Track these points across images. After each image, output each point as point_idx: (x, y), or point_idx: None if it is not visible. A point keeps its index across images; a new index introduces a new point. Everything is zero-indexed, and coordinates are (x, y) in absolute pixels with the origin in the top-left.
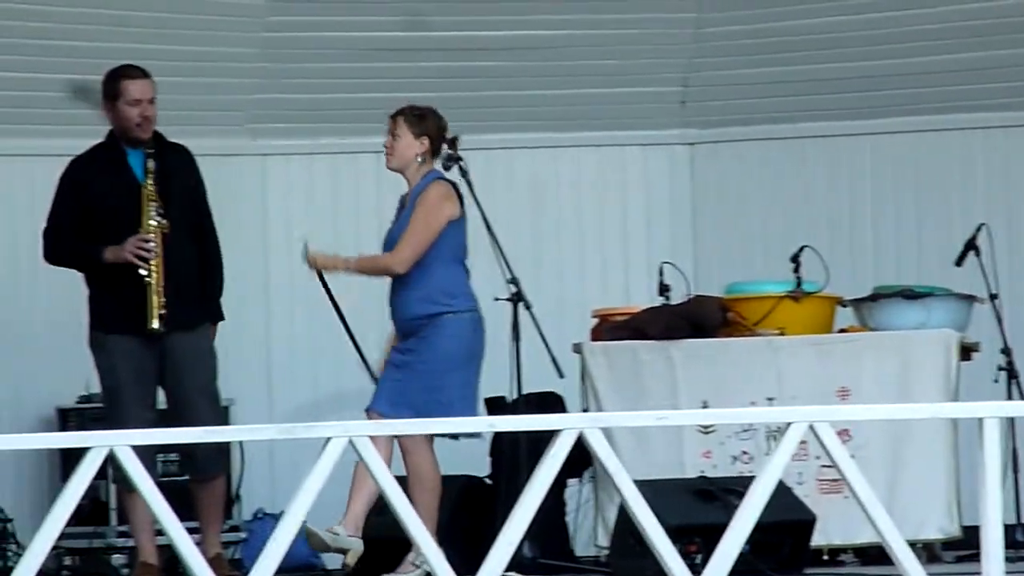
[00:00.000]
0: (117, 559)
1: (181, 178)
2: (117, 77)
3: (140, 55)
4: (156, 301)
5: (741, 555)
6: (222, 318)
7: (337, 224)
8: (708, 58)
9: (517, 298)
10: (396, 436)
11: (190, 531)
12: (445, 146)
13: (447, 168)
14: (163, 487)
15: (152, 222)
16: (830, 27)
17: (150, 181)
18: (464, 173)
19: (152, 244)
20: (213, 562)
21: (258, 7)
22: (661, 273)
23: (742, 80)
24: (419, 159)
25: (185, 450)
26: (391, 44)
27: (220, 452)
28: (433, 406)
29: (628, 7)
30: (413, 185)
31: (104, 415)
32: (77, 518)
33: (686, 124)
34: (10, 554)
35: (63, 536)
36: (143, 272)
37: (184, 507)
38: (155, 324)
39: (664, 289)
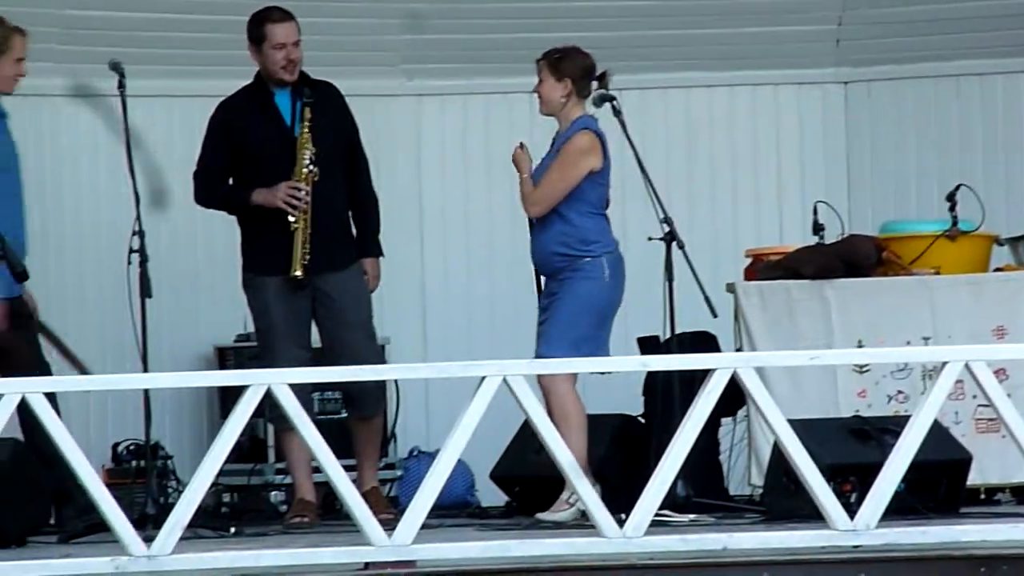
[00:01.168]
0: (275, 496)
1: (330, 119)
2: (261, 21)
3: None
4: (300, 249)
5: (896, 494)
6: (381, 254)
7: (491, 165)
8: None
9: (670, 238)
10: (540, 377)
11: (347, 468)
12: (595, 84)
13: (598, 106)
14: (320, 425)
15: (304, 170)
16: None
17: (306, 127)
18: (617, 112)
19: (303, 193)
20: (369, 495)
21: None
22: (815, 212)
23: (896, 18)
24: (564, 101)
25: (346, 388)
26: None
27: (380, 390)
28: (568, 346)
29: None
30: (563, 129)
31: (258, 354)
32: (235, 456)
33: (840, 63)
34: (171, 491)
35: (222, 473)
36: (291, 219)
37: (341, 445)
38: (298, 272)
39: (818, 228)
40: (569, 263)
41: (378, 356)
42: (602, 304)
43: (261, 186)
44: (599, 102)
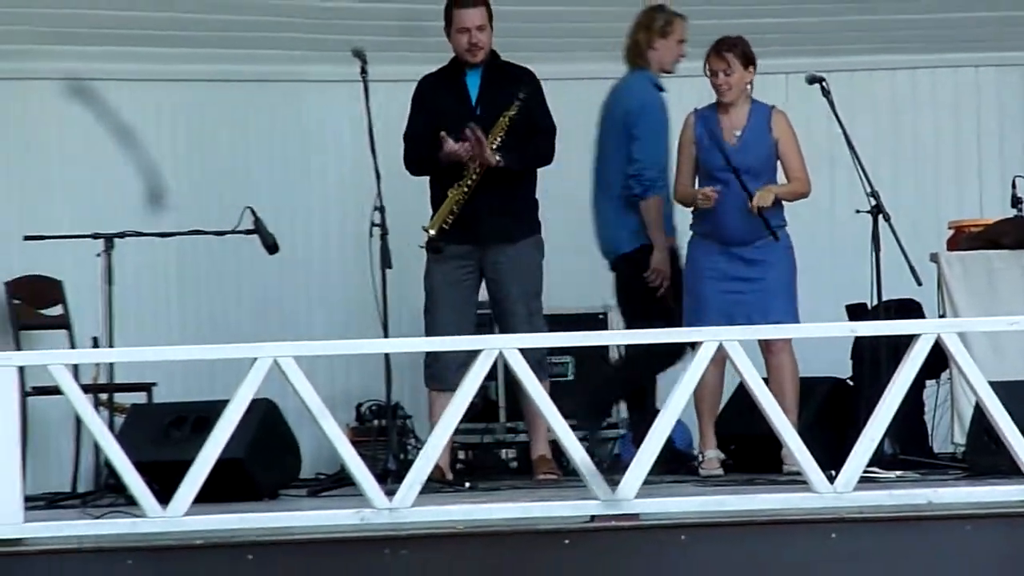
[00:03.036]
0: (506, 453)
1: (508, 100)
2: (450, 6)
3: None
4: (446, 213)
5: None
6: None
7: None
8: None
9: (877, 211)
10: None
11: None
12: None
13: (811, 85)
14: (552, 386)
15: (488, 151)
16: None
17: (507, 119)
18: (826, 92)
19: (457, 151)
20: (539, 463)
21: None
22: (1014, 186)
23: None
24: (749, 87)
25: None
26: None
27: (541, 361)
28: (794, 311)
29: None
30: (741, 114)
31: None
32: (469, 416)
33: None
34: (410, 448)
35: (457, 432)
36: (467, 180)
37: (569, 405)
38: (432, 231)
39: (1017, 202)
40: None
41: (535, 327)
42: (796, 270)
43: (436, 158)
44: (810, 82)
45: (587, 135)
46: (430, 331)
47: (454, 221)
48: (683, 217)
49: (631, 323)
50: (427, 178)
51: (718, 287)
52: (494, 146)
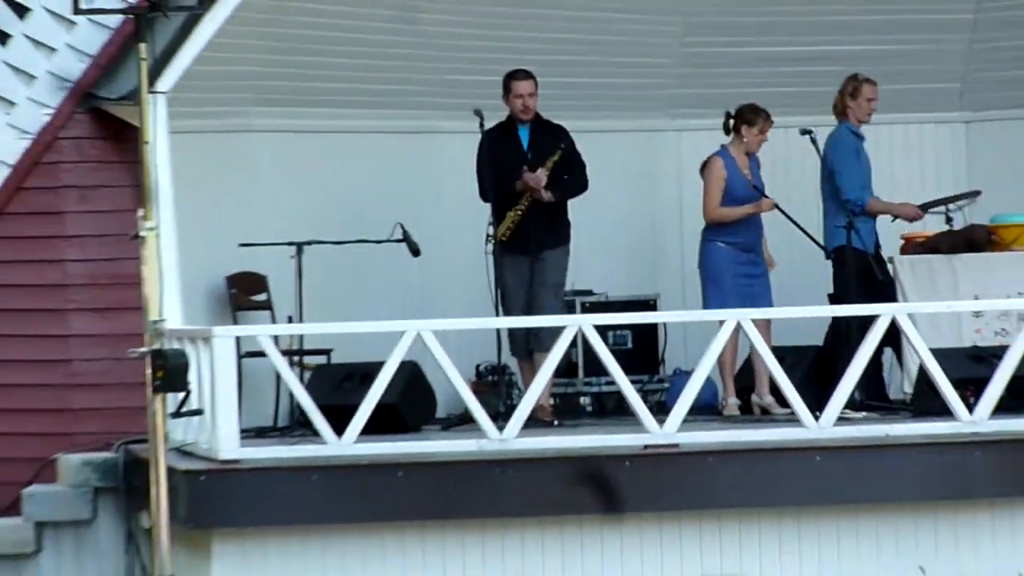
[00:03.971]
0: (583, 400)
1: (552, 149)
2: (508, 78)
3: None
4: (507, 226)
5: (1000, 399)
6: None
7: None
8: None
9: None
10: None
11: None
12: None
13: (802, 136)
14: (616, 353)
15: (533, 178)
16: None
17: (550, 164)
18: (814, 141)
19: (536, 190)
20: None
21: (675, 32)
22: (947, 210)
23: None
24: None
25: (535, 331)
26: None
27: (555, 333)
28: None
29: None
30: (744, 158)
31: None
32: (557, 372)
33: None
34: (514, 396)
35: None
36: (521, 205)
37: (633, 368)
38: (500, 236)
39: (948, 220)
40: None
41: (560, 309)
42: None
43: (504, 185)
44: (802, 133)
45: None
46: (508, 314)
47: (511, 235)
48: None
49: (840, 300)
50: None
51: (738, 281)
52: (533, 176)
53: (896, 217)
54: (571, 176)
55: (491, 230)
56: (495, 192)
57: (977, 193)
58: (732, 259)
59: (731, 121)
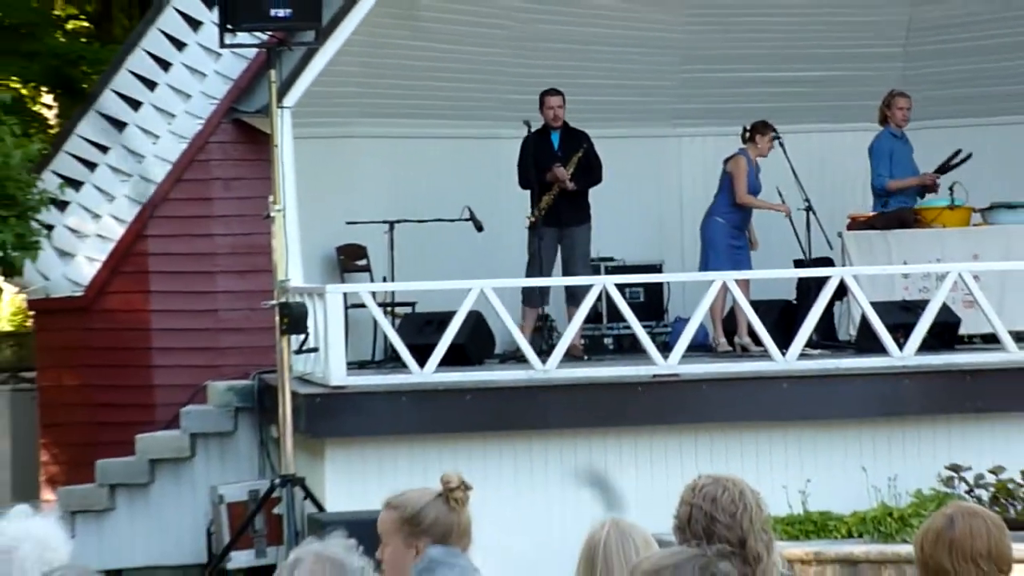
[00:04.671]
0: (607, 341)
1: (576, 149)
2: (543, 95)
3: (570, 41)
4: (540, 208)
5: (924, 339)
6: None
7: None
8: None
9: (809, 210)
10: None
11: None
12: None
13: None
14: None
15: (568, 181)
16: None
17: (574, 162)
18: (782, 145)
19: (563, 181)
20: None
21: (675, 62)
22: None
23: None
24: None
25: (571, 290)
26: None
27: (585, 291)
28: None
29: None
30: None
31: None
32: (586, 319)
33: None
34: (554, 336)
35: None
36: (552, 192)
37: (643, 316)
38: (532, 217)
39: (884, 205)
40: None
41: (587, 273)
42: None
43: (538, 179)
44: (773, 140)
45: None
46: (533, 275)
47: (545, 213)
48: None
49: None
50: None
51: (729, 250)
52: (570, 174)
53: (919, 187)
54: (591, 170)
55: (530, 211)
56: (536, 181)
57: (969, 155)
58: (726, 233)
59: (747, 132)
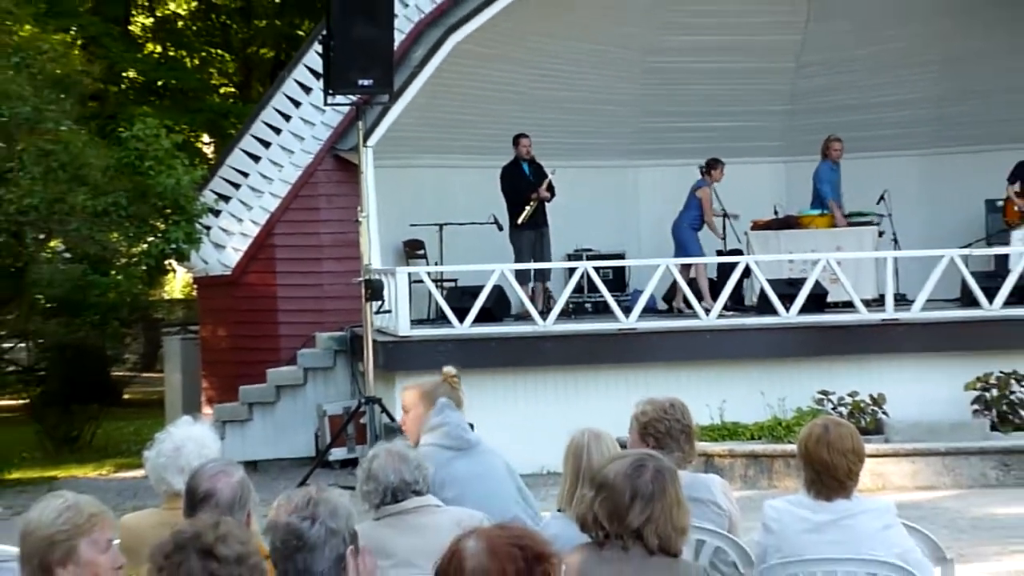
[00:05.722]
0: (587, 305)
1: (541, 175)
2: (517, 136)
3: (560, 101)
4: (526, 216)
5: (803, 303)
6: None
7: (671, 200)
8: None
9: (724, 216)
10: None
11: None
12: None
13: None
14: (604, 280)
15: (545, 194)
16: None
17: (545, 185)
18: (709, 171)
19: (544, 196)
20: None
21: (635, 113)
22: (776, 210)
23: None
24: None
25: (546, 272)
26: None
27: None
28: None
29: None
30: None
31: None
32: (572, 291)
33: (785, 153)
34: (552, 303)
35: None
36: (532, 203)
37: (612, 288)
38: (524, 220)
39: (776, 212)
40: None
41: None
42: None
43: (520, 195)
44: (701, 169)
45: (591, 190)
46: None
47: (528, 218)
48: (647, 216)
49: None
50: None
51: (695, 247)
52: (546, 188)
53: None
54: (553, 189)
55: (520, 217)
56: (521, 196)
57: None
58: (692, 236)
59: (704, 167)
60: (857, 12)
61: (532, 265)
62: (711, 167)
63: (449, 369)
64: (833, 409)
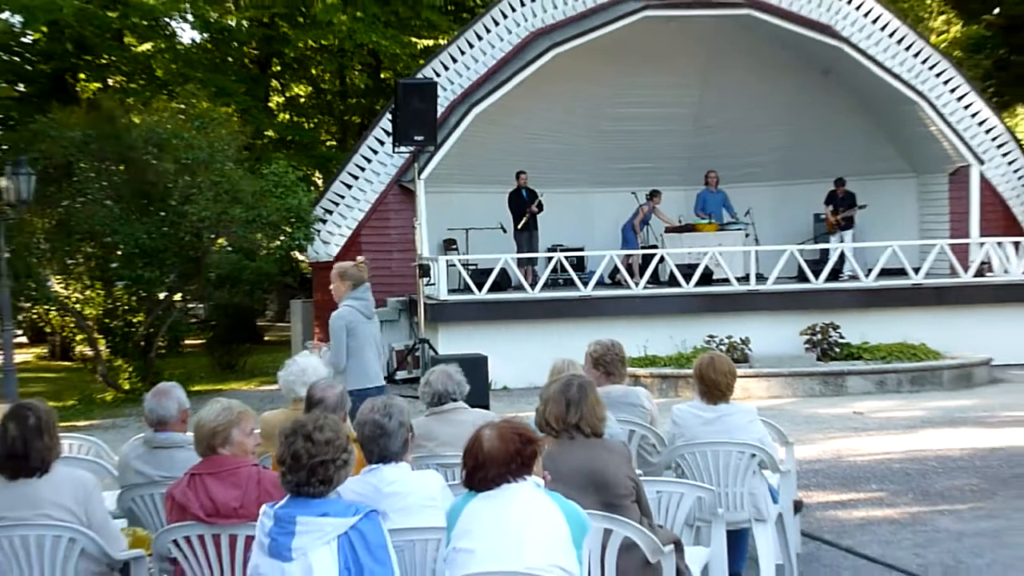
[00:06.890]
0: (560, 282)
1: (534, 197)
2: (518, 173)
3: (545, 150)
4: (524, 222)
5: (697, 280)
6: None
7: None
8: None
9: (688, 227)
10: None
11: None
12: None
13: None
14: (571, 264)
15: (536, 208)
16: None
17: (536, 203)
18: (657, 197)
19: (535, 210)
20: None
21: (593, 155)
22: (679, 220)
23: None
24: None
25: (535, 260)
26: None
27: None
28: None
29: None
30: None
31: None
32: (553, 271)
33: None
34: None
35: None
36: (529, 213)
37: (576, 269)
38: (519, 227)
39: (680, 221)
40: None
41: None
42: None
43: (518, 213)
44: (650, 196)
45: (566, 206)
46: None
47: (524, 225)
48: (602, 225)
49: None
50: (509, 211)
51: (634, 242)
52: (536, 205)
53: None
54: (542, 206)
55: (521, 224)
56: (520, 210)
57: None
58: (632, 237)
59: (650, 193)
60: (732, 95)
61: (526, 255)
62: (653, 195)
63: (358, 258)
64: (717, 346)
